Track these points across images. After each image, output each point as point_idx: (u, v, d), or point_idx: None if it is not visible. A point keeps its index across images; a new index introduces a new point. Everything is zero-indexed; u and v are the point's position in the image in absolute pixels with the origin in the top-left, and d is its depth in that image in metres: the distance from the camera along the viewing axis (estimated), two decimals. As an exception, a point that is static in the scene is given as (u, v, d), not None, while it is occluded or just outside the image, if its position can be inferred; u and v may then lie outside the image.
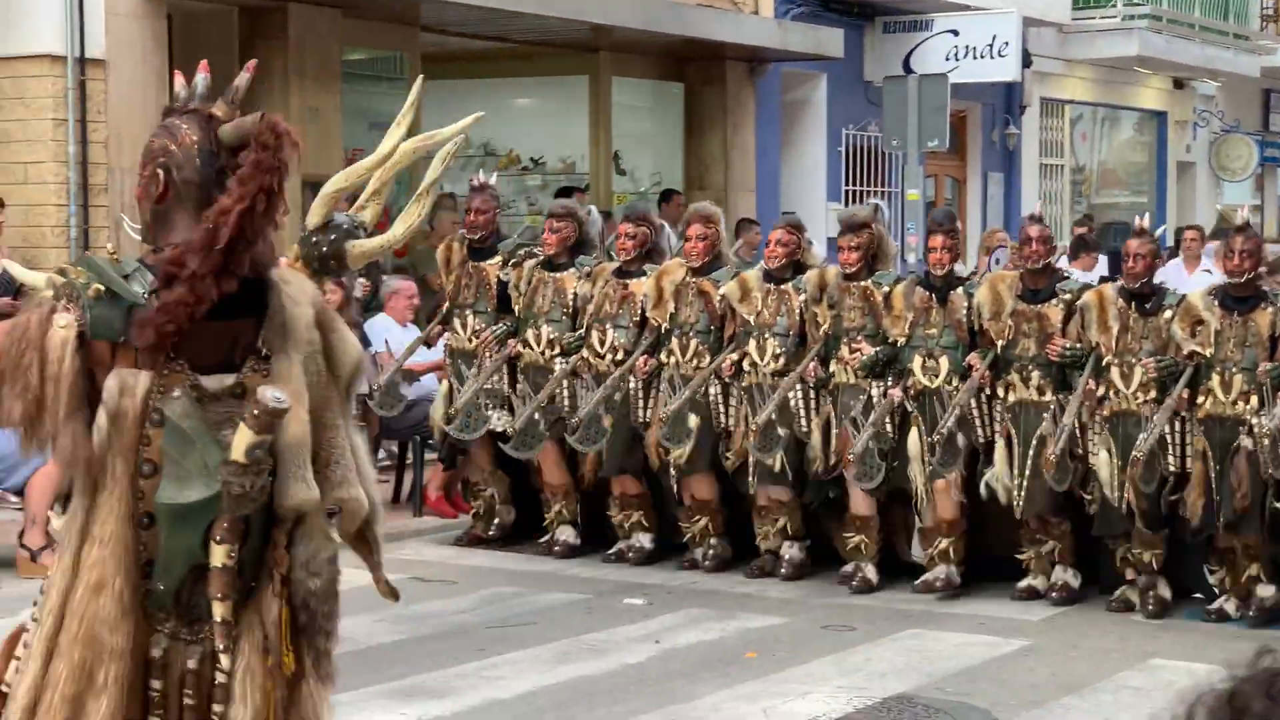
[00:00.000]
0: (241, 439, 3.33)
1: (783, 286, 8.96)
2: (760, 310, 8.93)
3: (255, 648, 3.50)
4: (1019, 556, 8.62)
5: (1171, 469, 8.05)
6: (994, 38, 17.75)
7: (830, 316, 8.75)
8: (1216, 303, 8.03)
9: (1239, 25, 23.30)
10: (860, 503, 8.72)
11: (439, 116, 15.48)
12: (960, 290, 8.59)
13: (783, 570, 8.99)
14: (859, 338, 8.63)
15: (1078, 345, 8.25)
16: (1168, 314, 8.10)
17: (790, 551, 9.03)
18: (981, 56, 17.69)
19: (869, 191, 17.67)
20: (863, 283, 8.74)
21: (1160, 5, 21.27)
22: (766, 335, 8.90)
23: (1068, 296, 8.41)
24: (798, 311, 8.90)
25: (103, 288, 3.43)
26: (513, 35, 14.59)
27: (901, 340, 8.58)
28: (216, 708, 3.49)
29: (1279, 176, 27.29)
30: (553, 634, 8.19)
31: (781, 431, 8.78)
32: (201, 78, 3.81)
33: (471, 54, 15.02)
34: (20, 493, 9.43)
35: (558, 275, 9.56)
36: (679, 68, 16.24)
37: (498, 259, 9.72)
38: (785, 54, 16.33)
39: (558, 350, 9.44)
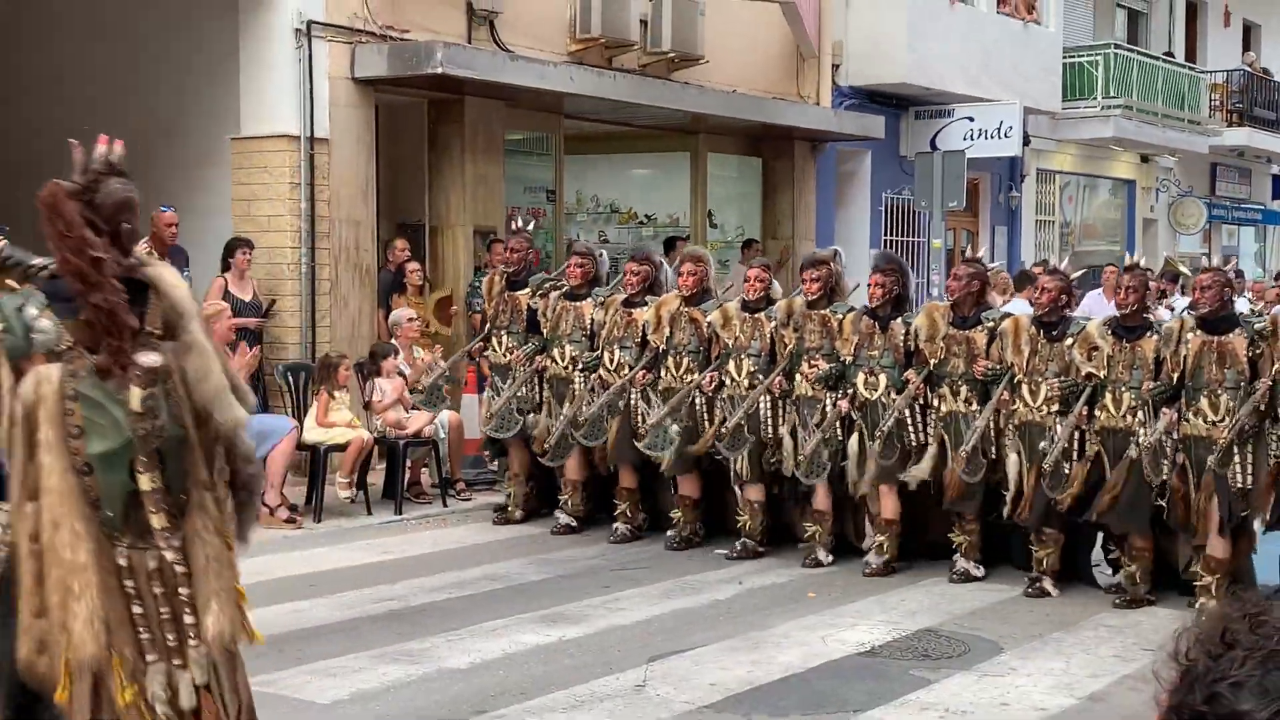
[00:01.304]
0: (134, 395, 3.54)
1: (757, 315, 8.66)
2: (738, 335, 8.65)
3: (206, 531, 3.67)
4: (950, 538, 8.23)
5: (1069, 472, 7.60)
6: (1001, 123, 17.61)
7: (794, 338, 8.47)
8: (1110, 332, 7.64)
9: (1192, 113, 22.99)
10: (821, 500, 8.38)
11: (578, 181, 15.63)
12: (899, 320, 8.24)
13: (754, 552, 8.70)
14: (816, 356, 8.29)
15: (998, 365, 7.86)
16: (1069, 340, 7.72)
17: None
18: (991, 137, 17.57)
19: (903, 241, 17.54)
20: (822, 311, 8.41)
21: (1130, 98, 21.03)
22: (742, 356, 8.59)
23: (990, 324, 8.03)
24: (769, 336, 8.59)
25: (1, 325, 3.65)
26: (633, 121, 14.62)
27: (848, 359, 8.27)
28: (184, 591, 3.63)
29: (1223, 231, 26.87)
30: (661, 575, 8.21)
31: (749, 435, 8.48)
32: (98, 149, 3.81)
33: (602, 135, 15.07)
34: (262, 461, 9.56)
35: (578, 304, 9.29)
36: (758, 146, 16.21)
37: (528, 290, 9.51)
38: (839, 135, 16.26)
39: (579, 366, 9.16)
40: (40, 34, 12.72)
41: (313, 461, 9.85)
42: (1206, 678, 1.08)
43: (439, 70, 11.47)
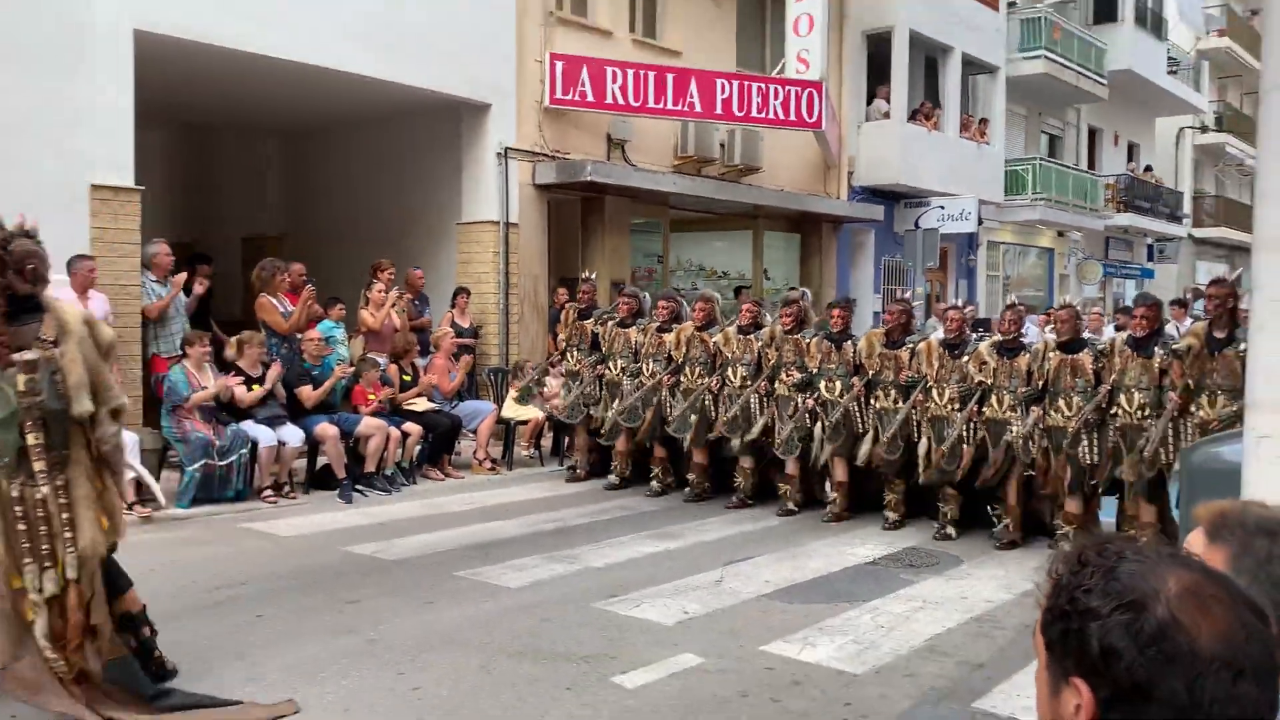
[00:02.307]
0: (20, 379, 3.49)
1: (749, 337, 8.22)
2: (734, 351, 8.22)
3: (81, 476, 3.60)
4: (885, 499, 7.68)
5: (965, 451, 7.07)
6: (962, 210, 17.29)
7: (775, 355, 8.06)
8: (995, 351, 7.19)
9: (1092, 204, 22.37)
10: (791, 466, 7.92)
11: (679, 250, 15.59)
12: (849, 341, 7.80)
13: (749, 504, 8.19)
14: (791, 369, 7.91)
15: (915, 374, 7.33)
16: (966, 357, 7.26)
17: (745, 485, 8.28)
18: (956, 219, 17.23)
19: (895, 290, 17.25)
20: (795, 336, 8.01)
21: (1051, 193, 20.52)
22: (738, 366, 8.16)
23: (910, 345, 7.58)
24: (757, 352, 8.15)
25: None
26: (716, 210, 14.60)
27: (815, 370, 7.84)
28: (65, 514, 3.56)
29: (1114, 282, 26.07)
30: (731, 510, 8.14)
31: (743, 423, 8.04)
32: (17, 220, 3.70)
33: (694, 219, 15.04)
34: (474, 431, 9.68)
35: (626, 330, 8.88)
36: (798, 226, 16.07)
37: (592, 320, 9.13)
38: (853, 219, 16.06)
39: (626, 373, 8.72)
40: (327, 157, 13.07)
41: (506, 431, 9.96)
42: (1068, 586, 1.06)
43: (589, 178, 11.57)
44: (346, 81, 10.21)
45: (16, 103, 7.81)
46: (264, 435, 7.85)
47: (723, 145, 13.70)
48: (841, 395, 7.63)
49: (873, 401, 7.61)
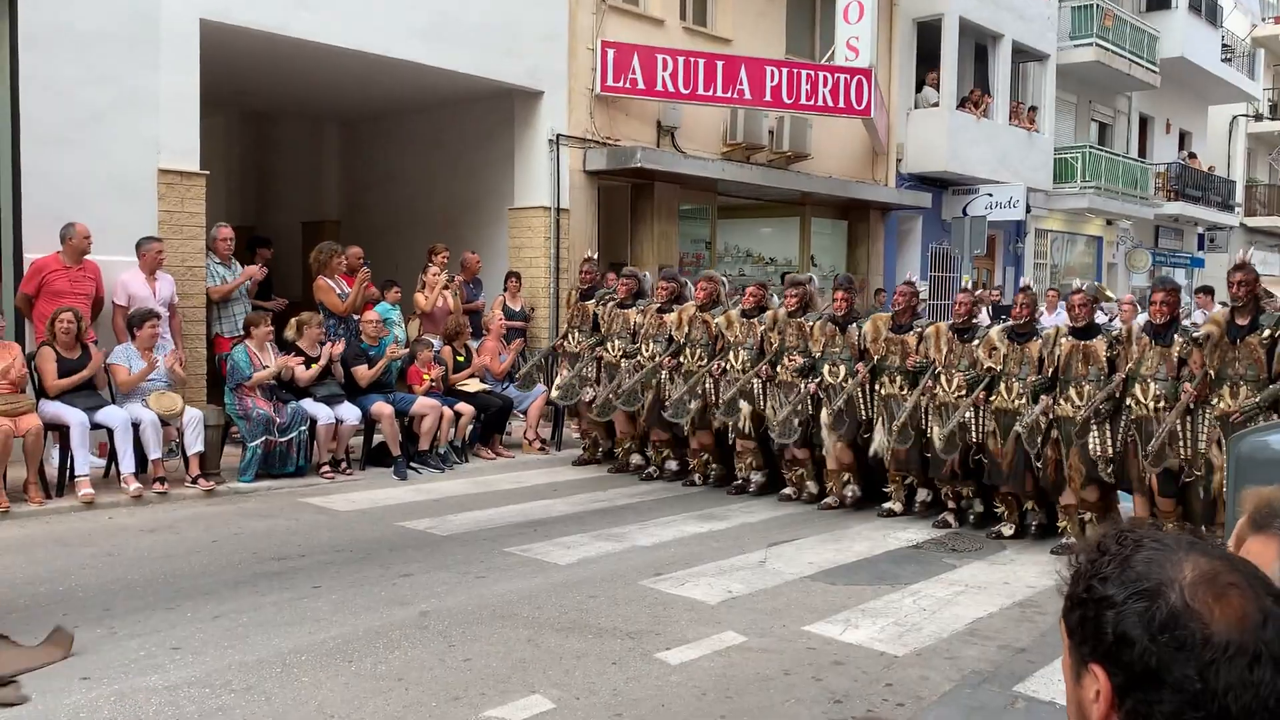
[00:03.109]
0: None
1: (752, 320, 7.82)
2: (738, 334, 7.83)
3: None
4: (885, 490, 7.42)
5: (973, 441, 6.76)
6: (1010, 197, 16.96)
7: (779, 338, 7.68)
8: (1006, 337, 6.71)
9: (1142, 192, 21.82)
10: (800, 452, 7.61)
11: (726, 236, 15.51)
12: (854, 325, 7.45)
13: (750, 489, 7.87)
14: (794, 353, 7.63)
15: (924, 359, 6.96)
16: (976, 342, 6.78)
17: (755, 476, 7.92)
18: (1004, 206, 16.92)
19: (942, 277, 17.00)
20: (799, 319, 7.61)
21: (1100, 181, 20.05)
22: (740, 350, 7.78)
23: (918, 330, 7.12)
24: (760, 335, 7.75)
25: None
26: (764, 196, 14.47)
27: (818, 354, 7.46)
28: None
29: (1163, 270, 25.37)
30: (776, 491, 8.08)
31: (742, 404, 7.70)
32: None
33: (742, 205, 14.94)
34: (524, 412, 9.70)
35: (625, 311, 8.55)
36: (845, 213, 15.88)
37: (593, 301, 8.90)
38: (900, 206, 15.82)
39: (624, 354, 8.44)
40: (384, 144, 13.16)
41: (556, 413, 9.98)
42: (1086, 574, 1.06)
43: (638, 165, 11.52)
44: (404, 70, 10.25)
45: (89, 91, 7.96)
46: (322, 413, 7.94)
47: (771, 132, 13.56)
48: (845, 380, 7.27)
49: (878, 388, 7.22)
